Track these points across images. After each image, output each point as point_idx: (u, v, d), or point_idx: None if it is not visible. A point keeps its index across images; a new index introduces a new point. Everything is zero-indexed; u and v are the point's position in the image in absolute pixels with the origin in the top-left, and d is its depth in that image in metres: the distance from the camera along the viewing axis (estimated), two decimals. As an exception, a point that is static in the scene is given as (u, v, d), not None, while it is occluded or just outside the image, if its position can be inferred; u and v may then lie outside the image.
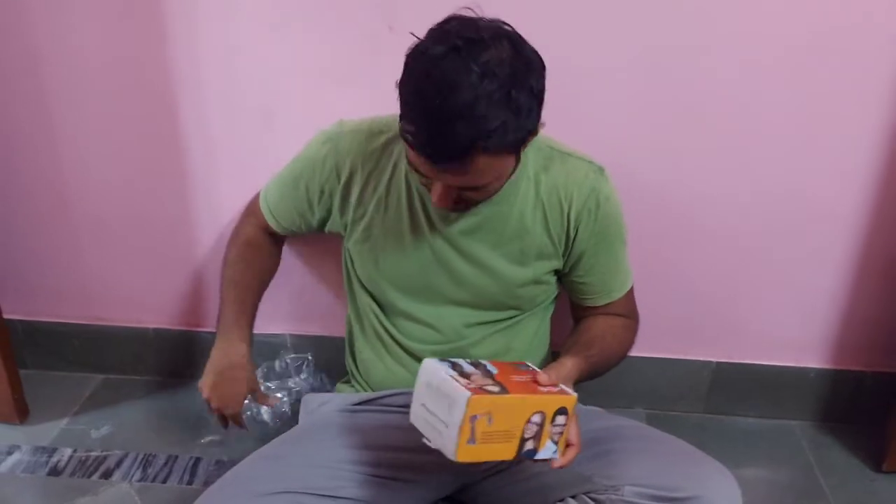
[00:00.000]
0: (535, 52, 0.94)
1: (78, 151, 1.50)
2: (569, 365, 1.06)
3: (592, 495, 1.07)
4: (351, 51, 1.35)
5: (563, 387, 0.98)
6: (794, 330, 1.54)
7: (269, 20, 1.35)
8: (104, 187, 1.53)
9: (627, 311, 1.26)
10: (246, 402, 1.20)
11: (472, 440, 0.88)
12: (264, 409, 1.46)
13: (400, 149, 1.14)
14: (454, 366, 0.94)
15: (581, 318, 1.26)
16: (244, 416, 1.24)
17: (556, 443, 0.96)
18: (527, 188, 1.13)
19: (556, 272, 1.21)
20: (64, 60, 1.41)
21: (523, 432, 0.92)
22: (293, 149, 1.43)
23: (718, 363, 1.57)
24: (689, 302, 1.52)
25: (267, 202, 1.31)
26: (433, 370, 0.93)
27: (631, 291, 1.25)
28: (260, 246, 1.33)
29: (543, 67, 0.94)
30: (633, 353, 1.51)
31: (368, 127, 1.16)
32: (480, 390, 0.89)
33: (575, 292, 1.24)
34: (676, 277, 1.50)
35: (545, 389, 0.95)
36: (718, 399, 1.60)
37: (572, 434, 0.97)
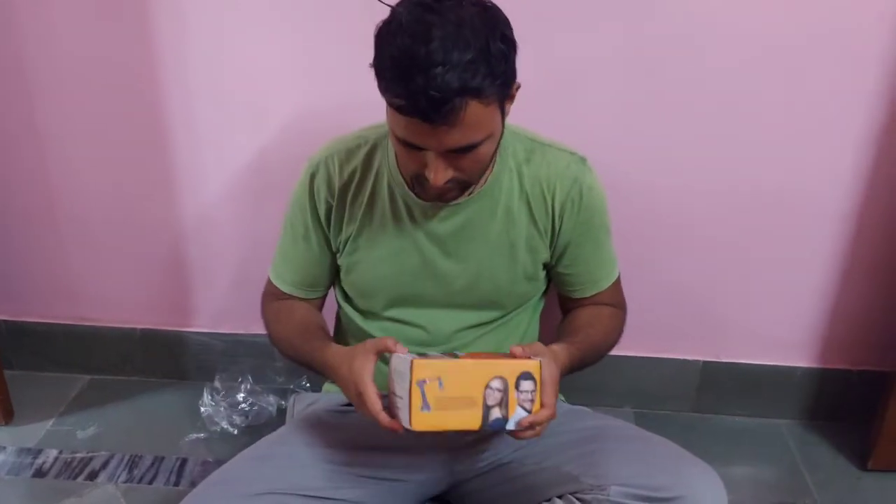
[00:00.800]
0: (500, 9, 0.96)
1: (64, 151, 1.49)
2: (556, 349, 1.06)
3: (579, 495, 1.06)
4: (339, 48, 1.34)
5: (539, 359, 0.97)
6: (782, 329, 1.54)
7: (257, 18, 1.34)
8: (90, 187, 1.52)
9: (615, 301, 1.25)
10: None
11: (425, 406, 0.90)
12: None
13: (380, 158, 1.13)
14: (421, 355, 0.96)
15: (569, 310, 1.26)
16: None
17: (528, 410, 0.95)
18: (510, 181, 1.13)
19: (545, 266, 1.21)
20: (49, 60, 1.40)
21: (485, 398, 0.92)
22: (281, 149, 1.43)
23: (706, 362, 1.57)
24: (676, 301, 1.52)
25: (279, 276, 1.24)
26: (399, 359, 0.95)
27: (618, 282, 1.25)
28: (289, 308, 1.23)
29: (509, 22, 0.96)
30: (622, 352, 1.52)
31: (345, 146, 1.15)
32: (426, 356, 0.92)
33: (561, 284, 1.24)
34: (664, 276, 1.50)
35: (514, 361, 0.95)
36: (706, 398, 1.60)
37: (547, 395, 0.96)
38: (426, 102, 0.89)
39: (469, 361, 0.94)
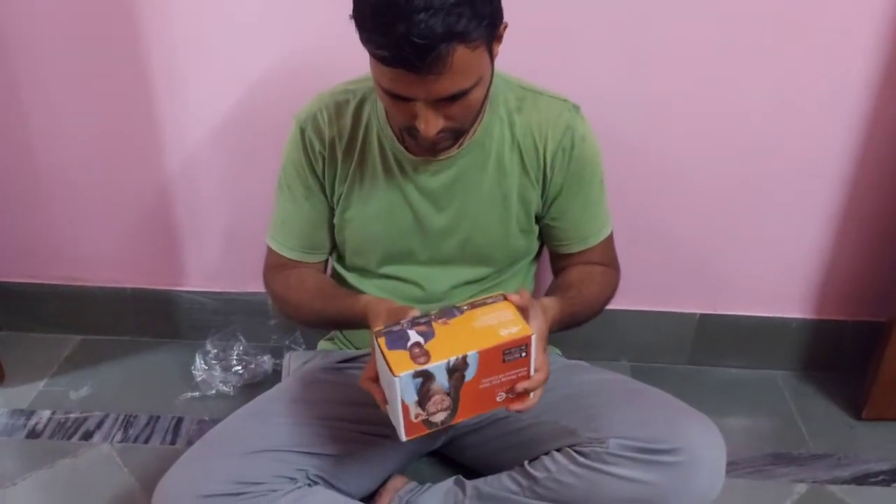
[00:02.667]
0: None
1: (47, 108, 1.45)
2: (546, 302, 1.04)
3: (577, 448, 1.07)
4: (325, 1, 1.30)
5: (523, 324, 0.94)
6: (778, 281, 1.54)
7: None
8: (74, 144, 1.48)
9: (607, 259, 1.22)
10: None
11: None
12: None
13: (368, 112, 1.10)
14: (423, 317, 0.95)
15: (560, 269, 1.23)
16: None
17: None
18: (501, 130, 1.10)
19: (536, 218, 1.19)
20: (27, 13, 1.35)
21: None
22: (268, 103, 1.40)
23: (702, 315, 1.57)
24: (673, 255, 1.51)
25: (282, 243, 1.20)
26: (383, 367, 0.93)
27: (610, 239, 1.21)
28: (299, 276, 1.20)
29: None
30: (618, 306, 1.51)
31: (333, 100, 1.11)
32: (422, 319, 0.93)
33: (549, 238, 1.21)
34: (661, 231, 1.49)
35: (505, 333, 0.92)
36: (702, 350, 1.60)
37: (539, 362, 0.95)
38: (411, 51, 0.86)
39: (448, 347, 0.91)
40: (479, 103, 0.98)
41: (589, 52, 1.33)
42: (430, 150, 1.05)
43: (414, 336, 0.93)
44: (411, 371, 0.89)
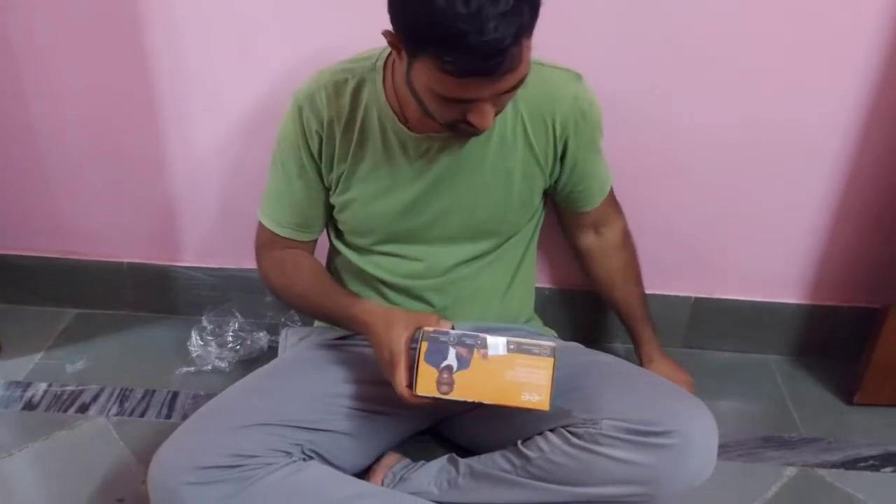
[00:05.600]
0: None
1: (46, 81, 1.44)
2: (652, 350, 1.34)
3: (571, 429, 1.08)
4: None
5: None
6: (773, 266, 1.54)
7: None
8: (72, 117, 1.47)
9: (613, 202, 1.30)
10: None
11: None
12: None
13: (368, 93, 1.09)
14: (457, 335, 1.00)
15: (576, 226, 1.30)
16: None
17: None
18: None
19: (546, 191, 1.20)
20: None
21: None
22: (267, 81, 1.39)
23: (697, 298, 1.58)
24: (668, 238, 1.51)
25: (274, 219, 1.20)
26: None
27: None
28: (294, 261, 1.21)
29: None
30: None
31: (332, 79, 1.10)
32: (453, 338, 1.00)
33: (572, 202, 1.24)
34: (656, 214, 1.49)
35: (525, 398, 0.99)
36: (697, 334, 1.61)
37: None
38: (486, 60, 0.85)
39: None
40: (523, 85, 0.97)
41: (587, 35, 1.31)
42: (474, 134, 1.03)
43: (451, 358, 0.98)
44: (431, 395, 0.98)
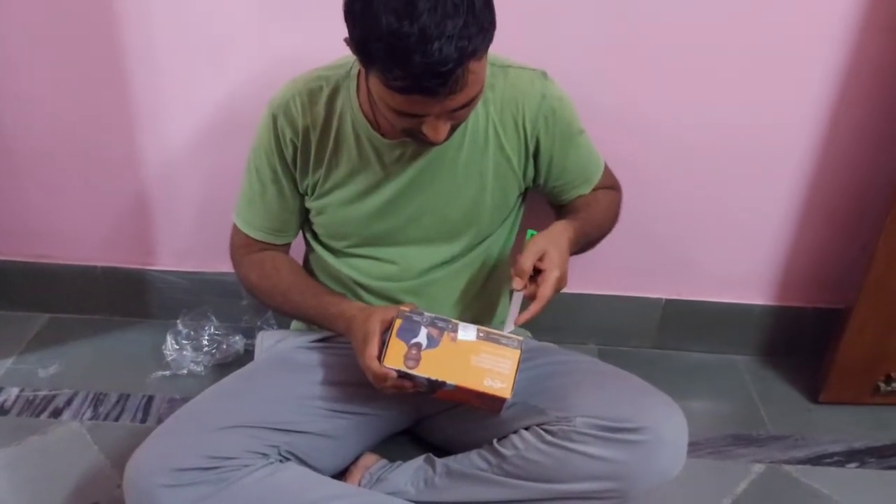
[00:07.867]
0: None
1: (18, 83, 1.43)
2: (559, 227, 1.09)
3: (545, 427, 1.09)
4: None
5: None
6: (741, 268, 1.57)
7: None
8: (45, 118, 1.46)
9: (609, 184, 1.28)
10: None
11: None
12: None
13: (342, 100, 1.10)
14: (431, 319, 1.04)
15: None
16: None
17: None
18: (475, 108, 1.11)
19: (521, 194, 1.21)
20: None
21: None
22: (242, 83, 1.39)
23: (668, 300, 1.61)
24: (640, 240, 1.54)
25: (247, 223, 1.21)
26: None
27: (606, 168, 1.27)
28: (273, 263, 1.21)
29: None
30: (586, 290, 1.55)
31: (307, 87, 1.11)
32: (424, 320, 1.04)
33: (556, 195, 1.24)
34: (627, 216, 1.49)
35: (487, 384, 1.01)
36: (667, 335, 1.64)
37: (558, 261, 1.04)
38: (429, 79, 0.86)
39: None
40: (477, 103, 1.00)
41: (558, 39, 1.34)
42: (431, 145, 1.05)
43: (422, 336, 1.02)
44: (396, 368, 1.00)
